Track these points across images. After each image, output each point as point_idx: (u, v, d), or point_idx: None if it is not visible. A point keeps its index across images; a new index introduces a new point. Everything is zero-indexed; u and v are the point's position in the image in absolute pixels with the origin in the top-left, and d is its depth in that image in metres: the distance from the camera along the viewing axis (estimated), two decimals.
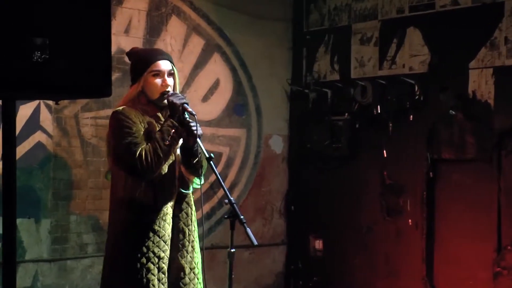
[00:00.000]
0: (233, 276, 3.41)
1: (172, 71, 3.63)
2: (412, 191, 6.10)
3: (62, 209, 5.71)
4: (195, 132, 3.47)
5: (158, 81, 3.58)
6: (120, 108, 3.55)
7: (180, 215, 3.63)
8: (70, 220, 5.75)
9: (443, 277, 5.93)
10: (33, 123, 5.57)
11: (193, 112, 3.48)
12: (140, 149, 3.41)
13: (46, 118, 5.64)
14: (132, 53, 3.75)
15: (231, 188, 6.69)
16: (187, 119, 3.50)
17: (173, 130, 3.46)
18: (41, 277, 5.60)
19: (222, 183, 3.40)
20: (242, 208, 6.70)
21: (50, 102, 5.54)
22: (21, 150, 5.48)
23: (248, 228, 3.26)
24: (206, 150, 3.45)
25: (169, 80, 3.60)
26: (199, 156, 3.54)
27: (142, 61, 3.63)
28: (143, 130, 3.50)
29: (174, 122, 3.47)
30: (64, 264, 5.72)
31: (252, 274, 6.84)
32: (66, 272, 5.73)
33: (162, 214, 3.53)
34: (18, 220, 5.42)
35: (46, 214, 5.63)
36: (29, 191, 5.54)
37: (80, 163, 5.80)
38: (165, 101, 3.57)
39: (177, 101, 3.50)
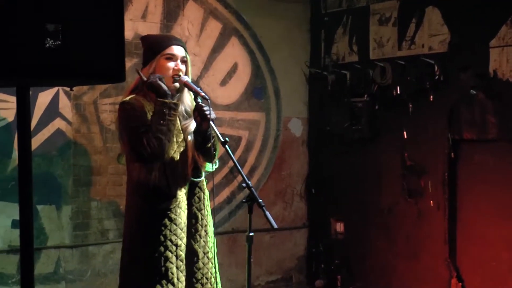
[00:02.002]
0: (252, 259, 3.40)
1: (185, 58, 3.61)
2: (433, 172, 6.05)
3: (83, 195, 5.74)
4: (209, 116, 3.44)
5: (171, 64, 3.56)
6: (127, 98, 3.53)
7: (193, 200, 3.62)
8: (91, 206, 5.78)
9: (466, 258, 5.89)
10: (53, 110, 5.60)
11: (206, 96, 3.44)
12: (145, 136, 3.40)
13: (65, 105, 5.66)
14: (146, 38, 3.75)
15: (251, 172, 6.69)
16: (200, 103, 3.47)
17: (165, 109, 3.40)
18: (63, 263, 5.64)
19: (239, 167, 3.37)
20: (263, 192, 6.71)
21: (67, 89, 5.56)
22: (41, 137, 5.52)
23: (267, 212, 3.24)
24: (221, 134, 3.43)
25: (182, 66, 3.58)
26: (213, 140, 3.52)
27: (156, 45, 3.61)
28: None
29: (165, 100, 3.41)
30: (85, 250, 5.76)
31: (274, 257, 6.85)
32: (88, 258, 5.77)
33: (178, 202, 3.52)
34: (40, 207, 5.47)
35: (67, 201, 5.66)
36: (50, 178, 5.58)
37: (100, 149, 5.82)
38: (176, 84, 3.54)
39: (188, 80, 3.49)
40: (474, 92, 5.74)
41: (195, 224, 3.62)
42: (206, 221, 3.67)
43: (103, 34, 2.54)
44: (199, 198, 3.64)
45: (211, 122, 3.43)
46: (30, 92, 2.58)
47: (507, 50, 5.56)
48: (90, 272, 5.77)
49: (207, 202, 3.69)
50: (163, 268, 3.47)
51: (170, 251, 3.48)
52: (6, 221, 5.32)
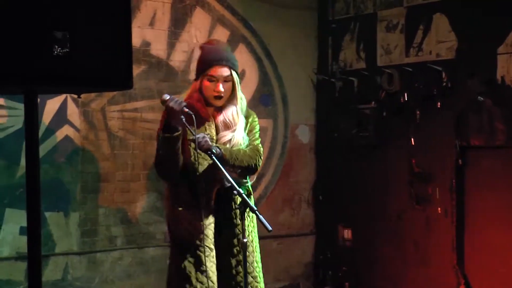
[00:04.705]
0: (249, 265, 3.64)
1: (230, 77, 3.69)
2: (441, 179, 6.04)
3: (91, 202, 5.75)
4: (197, 144, 3.53)
5: (213, 85, 3.70)
6: None
7: (221, 213, 3.76)
8: (99, 213, 5.78)
9: (474, 265, 5.87)
10: (61, 117, 5.61)
11: (190, 112, 3.51)
12: None
13: (73, 112, 5.68)
14: (202, 49, 3.87)
15: (258, 179, 6.68)
16: (194, 138, 3.53)
17: (161, 137, 3.58)
18: (71, 270, 5.65)
19: (227, 175, 3.49)
20: (270, 199, 6.72)
21: (75, 96, 5.58)
22: (49, 144, 5.54)
23: (260, 215, 3.37)
24: (216, 147, 3.60)
25: (224, 86, 3.70)
26: (215, 160, 3.55)
27: (203, 62, 3.76)
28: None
29: (162, 131, 3.58)
30: (93, 256, 5.76)
31: (281, 264, 6.84)
32: (96, 264, 5.77)
33: (204, 215, 3.69)
34: (48, 214, 5.49)
35: (75, 207, 5.67)
36: (58, 184, 5.59)
37: (108, 156, 5.83)
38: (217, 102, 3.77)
39: (174, 105, 3.52)
40: (482, 98, 5.73)
41: (220, 236, 3.77)
42: (232, 234, 3.77)
43: (111, 42, 2.55)
44: (225, 211, 3.77)
45: (213, 157, 3.53)
46: (38, 99, 2.59)
47: None
48: (98, 279, 5.77)
49: (234, 215, 3.77)
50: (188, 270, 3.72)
51: (195, 264, 3.70)
52: (15, 228, 5.33)
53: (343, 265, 6.80)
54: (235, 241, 3.73)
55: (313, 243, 7.12)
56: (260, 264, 3.91)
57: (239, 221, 3.72)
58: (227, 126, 3.74)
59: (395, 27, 6.40)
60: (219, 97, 3.71)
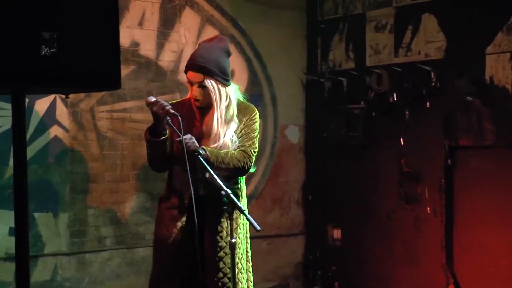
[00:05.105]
0: (235, 265, 3.55)
1: (203, 84, 3.68)
2: (430, 178, 6.05)
3: (80, 202, 5.74)
4: (184, 145, 3.53)
5: (190, 88, 3.77)
6: (174, 101, 3.87)
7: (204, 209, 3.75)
8: (88, 213, 5.77)
9: (463, 264, 5.89)
10: (50, 118, 5.60)
11: (176, 114, 3.53)
12: None
13: (62, 112, 5.66)
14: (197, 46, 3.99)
15: (248, 179, 6.65)
16: (181, 139, 3.54)
17: (147, 138, 3.64)
18: (60, 271, 5.63)
19: (215, 176, 3.47)
20: (260, 199, 6.72)
21: (63, 96, 5.57)
22: (38, 144, 5.52)
23: (249, 216, 3.38)
24: (202, 149, 3.60)
25: (199, 90, 3.70)
26: (201, 161, 3.56)
27: (187, 63, 3.78)
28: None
29: (147, 134, 3.65)
30: (82, 257, 5.75)
31: (271, 264, 6.84)
32: (85, 265, 5.76)
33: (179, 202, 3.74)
34: (37, 214, 5.47)
35: (64, 208, 5.66)
36: (47, 185, 5.57)
37: (97, 157, 5.82)
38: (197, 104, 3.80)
39: (157, 110, 3.54)
40: (471, 98, 5.75)
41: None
42: (212, 233, 3.76)
43: (98, 42, 2.55)
44: (211, 212, 3.75)
45: (200, 158, 3.53)
46: (27, 100, 2.59)
47: (503, 57, 5.57)
48: (87, 279, 5.76)
49: (217, 214, 3.75)
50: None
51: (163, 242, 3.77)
52: (3, 228, 5.31)
53: (333, 265, 6.81)
54: (213, 241, 3.71)
55: (303, 243, 7.12)
56: (242, 265, 3.82)
57: (221, 220, 3.72)
58: (208, 135, 3.75)
59: (384, 27, 6.41)
60: (196, 100, 3.76)
